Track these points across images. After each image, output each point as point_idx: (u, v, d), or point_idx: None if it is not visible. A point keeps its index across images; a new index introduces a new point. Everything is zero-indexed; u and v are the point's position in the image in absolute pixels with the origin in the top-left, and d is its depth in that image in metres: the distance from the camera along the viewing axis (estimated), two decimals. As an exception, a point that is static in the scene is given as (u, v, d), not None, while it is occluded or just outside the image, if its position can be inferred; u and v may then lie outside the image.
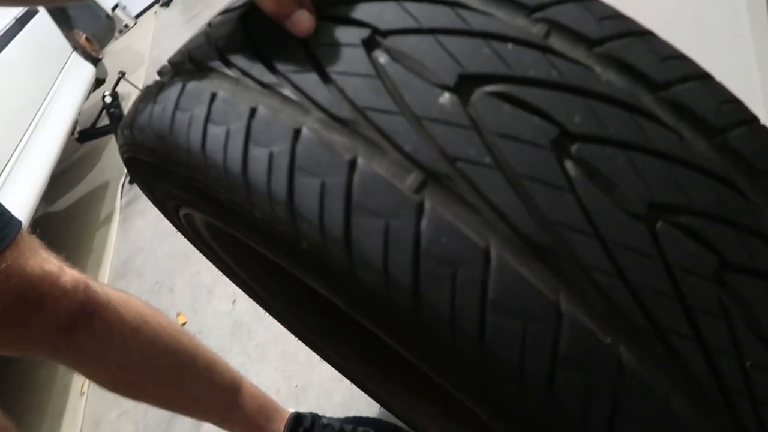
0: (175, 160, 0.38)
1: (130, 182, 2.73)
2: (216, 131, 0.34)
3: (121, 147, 0.49)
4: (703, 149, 0.32)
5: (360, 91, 0.32)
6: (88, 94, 3.00)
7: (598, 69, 0.33)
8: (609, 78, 0.32)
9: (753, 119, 0.33)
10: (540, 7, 0.34)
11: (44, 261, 0.69)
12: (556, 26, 0.34)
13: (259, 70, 0.36)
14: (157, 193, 0.56)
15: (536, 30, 0.34)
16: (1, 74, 2.20)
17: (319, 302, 0.75)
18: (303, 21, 0.36)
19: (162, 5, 6.06)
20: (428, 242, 0.28)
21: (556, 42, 0.33)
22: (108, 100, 2.60)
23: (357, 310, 0.34)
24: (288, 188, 0.31)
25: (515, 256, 0.29)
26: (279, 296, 0.77)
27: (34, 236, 0.72)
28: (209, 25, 0.44)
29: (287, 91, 0.34)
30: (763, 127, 0.33)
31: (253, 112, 0.34)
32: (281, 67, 0.35)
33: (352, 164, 0.30)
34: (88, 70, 2.99)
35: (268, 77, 0.35)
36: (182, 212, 0.57)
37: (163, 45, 4.68)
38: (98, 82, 3.34)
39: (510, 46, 0.33)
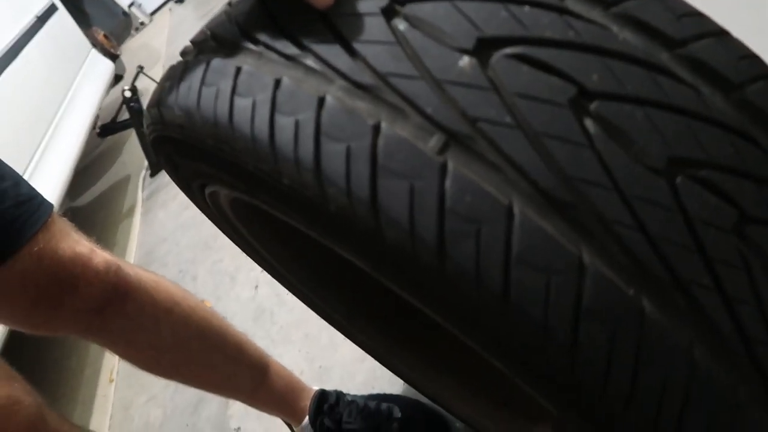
0: (203, 133, 0.39)
1: (152, 175, 2.77)
2: (242, 103, 0.36)
3: (148, 127, 0.50)
4: (720, 104, 0.32)
5: (381, 58, 0.33)
6: (108, 90, 3.04)
7: (614, 28, 0.33)
8: (626, 37, 0.33)
9: (771, 74, 0.33)
10: (555, -30, 0.35)
11: (76, 243, 0.71)
12: None
13: (281, 44, 0.37)
14: (182, 173, 0.57)
15: (551, -8, 0.34)
16: (23, 71, 2.24)
17: (345, 280, 0.77)
18: None
19: (177, 2, 6.10)
20: (452, 201, 0.29)
21: (572, 3, 0.34)
22: (127, 94, 2.63)
23: (383, 272, 0.35)
24: (315, 154, 0.32)
25: (537, 211, 0.29)
26: (304, 275, 0.78)
27: (65, 219, 0.74)
28: (229, 4, 0.46)
29: (310, 62, 0.35)
30: (782, 82, 0.34)
31: (277, 83, 0.35)
32: (303, 38, 0.36)
33: (376, 128, 0.31)
34: (107, 66, 3.03)
35: (291, 49, 0.36)
36: (208, 191, 0.58)
37: (179, 41, 4.71)
38: (117, 78, 3.38)
39: (526, 8, 0.33)
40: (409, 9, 0.34)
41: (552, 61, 0.31)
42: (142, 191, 2.77)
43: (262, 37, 0.38)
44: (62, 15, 2.81)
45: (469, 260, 0.29)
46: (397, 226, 0.30)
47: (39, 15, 2.53)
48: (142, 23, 6.15)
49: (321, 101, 0.33)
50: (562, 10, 0.33)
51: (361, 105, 0.32)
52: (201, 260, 1.96)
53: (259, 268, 1.71)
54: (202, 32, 0.46)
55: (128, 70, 3.79)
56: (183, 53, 0.48)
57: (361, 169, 0.31)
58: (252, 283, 1.65)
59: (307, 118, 0.33)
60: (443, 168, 0.30)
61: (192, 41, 0.47)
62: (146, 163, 2.86)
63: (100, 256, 0.72)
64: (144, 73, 2.83)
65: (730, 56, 0.33)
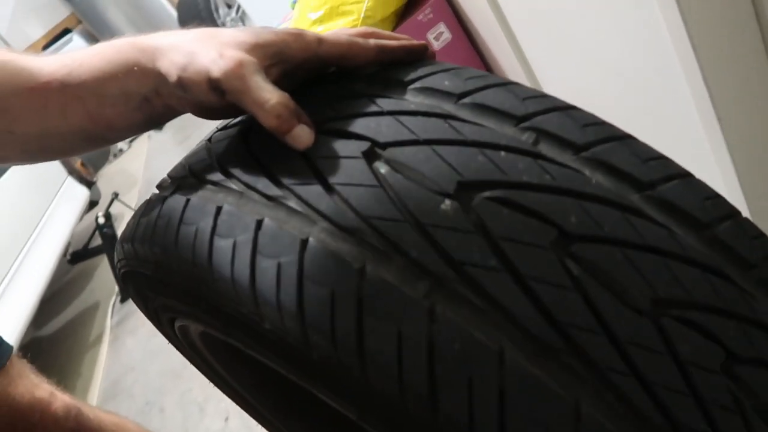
0: (180, 273, 0.38)
1: (122, 301, 2.71)
2: (222, 244, 0.35)
3: (119, 261, 0.49)
4: (694, 243, 0.33)
5: (364, 201, 0.33)
6: (82, 217, 3.04)
7: (587, 172, 0.34)
8: (598, 180, 0.34)
9: (735, 213, 0.35)
10: (526, 117, 0.37)
11: (35, 387, 0.67)
12: (543, 134, 0.36)
13: (263, 184, 0.37)
14: (151, 306, 0.56)
15: (525, 138, 0.36)
16: (-2, 199, 2.24)
17: (320, 413, 0.73)
18: (303, 135, 0.38)
19: (155, 129, 6.29)
20: (442, 347, 0.29)
21: (545, 148, 0.35)
22: (101, 220, 2.63)
23: (369, 419, 0.33)
24: (298, 299, 0.31)
25: (528, 357, 0.29)
26: (275, 406, 0.75)
27: (24, 360, 0.70)
28: (209, 140, 0.46)
29: (292, 203, 0.35)
30: (746, 219, 0.35)
31: (259, 224, 0.35)
32: (285, 180, 0.37)
33: (361, 272, 0.31)
34: (82, 194, 3.05)
35: (273, 190, 0.36)
36: (177, 324, 0.56)
37: (156, 166, 4.80)
38: (92, 204, 3.39)
39: (503, 153, 0.35)
40: (390, 153, 0.36)
41: (531, 204, 0.32)
42: (111, 318, 2.69)
43: (244, 177, 0.39)
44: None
45: (461, 410, 0.28)
46: (385, 373, 0.29)
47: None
48: (120, 150, 6.29)
49: (304, 243, 0.33)
50: (536, 155, 0.35)
51: (345, 247, 0.32)
52: (169, 390, 1.87)
53: (230, 399, 1.64)
54: (181, 167, 0.47)
55: (104, 195, 3.81)
56: (160, 186, 0.48)
57: (347, 315, 0.30)
58: (222, 414, 1.57)
59: (290, 261, 0.33)
60: (431, 312, 0.29)
61: (170, 175, 0.47)
62: (117, 288, 2.80)
63: (60, 400, 0.68)
64: (119, 200, 2.85)
65: (696, 197, 0.34)
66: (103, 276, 3.21)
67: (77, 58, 0.45)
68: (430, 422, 0.28)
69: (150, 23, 5.68)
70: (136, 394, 2.01)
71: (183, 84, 0.40)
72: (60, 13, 5.87)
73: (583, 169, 0.35)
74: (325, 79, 0.45)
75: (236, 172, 0.40)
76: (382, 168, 0.35)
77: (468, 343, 0.29)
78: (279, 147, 0.39)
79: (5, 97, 0.45)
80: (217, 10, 4.28)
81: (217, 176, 0.41)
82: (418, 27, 1.49)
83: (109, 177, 5.27)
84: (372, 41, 0.44)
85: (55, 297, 3.35)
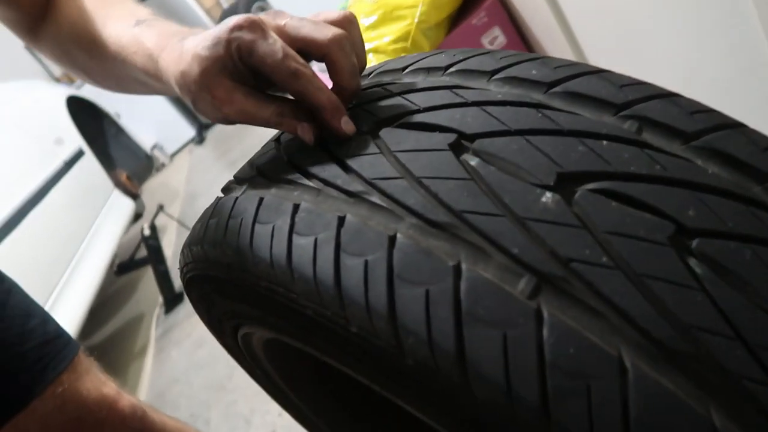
0: (256, 274, 0.36)
1: (166, 312, 2.73)
2: (302, 242, 0.33)
3: (186, 265, 0.48)
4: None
5: (455, 195, 0.31)
6: (127, 229, 3.09)
7: (699, 162, 0.31)
8: (714, 170, 0.31)
9: None
10: (627, 105, 0.34)
11: (102, 384, 0.67)
12: (646, 122, 0.33)
13: (342, 180, 0.35)
14: (215, 313, 0.54)
15: (627, 126, 0.33)
16: (47, 212, 2.29)
17: (383, 426, 0.70)
18: (307, 135, 0.40)
19: (196, 143, 6.40)
20: (553, 353, 0.26)
21: (650, 137, 0.32)
22: (147, 232, 2.67)
23: (468, 433, 0.31)
24: (389, 299, 0.29)
25: (652, 365, 0.26)
26: (333, 419, 0.72)
27: (91, 358, 0.70)
28: (278, 140, 0.45)
29: (375, 198, 0.33)
30: None
31: (341, 221, 0.33)
32: (366, 175, 0.34)
33: (457, 270, 0.28)
34: (127, 206, 3.10)
35: (353, 185, 0.34)
36: (241, 332, 0.55)
37: (197, 179, 4.87)
38: (136, 216, 3.46)
39: (605, 143, 0.32)
40: (479, 144, 0.33)
41: (642, 197, 0.29)
42: (156, 329, 2.71)
43: (321, 173, 0.37)
44: (89, 159, 2.92)
45: (579, 423, 0.25)
46: (490, 382, 0.26)
47: (67, 160, 2.63)
48: (162, 164, 6.41)
49: (392, 240, 0.31)
50: (642, 144, 0.32)
51: (437, 244, 0.30)
52: (214, 402, 1.86)
53: (276, 411, 1.62)
54: (248, 168, 0.45)
55: (147, 208, 3.88)
56: (226, 189, 0.47)
57: (444, 315, 0.27)
58: (269, 427, 1.55)
59: (378, 258, 0.30)
60: (538, 314, 0.27)
61: (236, 177, 0.46)
62: (161, 300, 2.83)
63: (126, 399, 0.68)
64: (164, 212, 2.89)
65: None
66: (148, 287, 3.25)
67: (126, 46, 0.50)
68: (543, 436, 0.26)
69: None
70: (181, 406, 2.02)
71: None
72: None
73: (694, 158, 0.31)
74: (399, 73, 0.43)
75: (312, 169, 0.38)
76: (472, 160, 0.33)
77: (583, 347, 0.26)
78: (355, 143, 0.37)
79: (93, 52, 0.55)
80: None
81: (291, 174, 0.39)
82: (472, 31, 1.47)
83: (152, 191, 5.37)
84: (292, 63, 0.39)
85: (100, 308, 3.41)
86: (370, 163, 0.35)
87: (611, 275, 0.27)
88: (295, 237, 0.34)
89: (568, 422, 0.25)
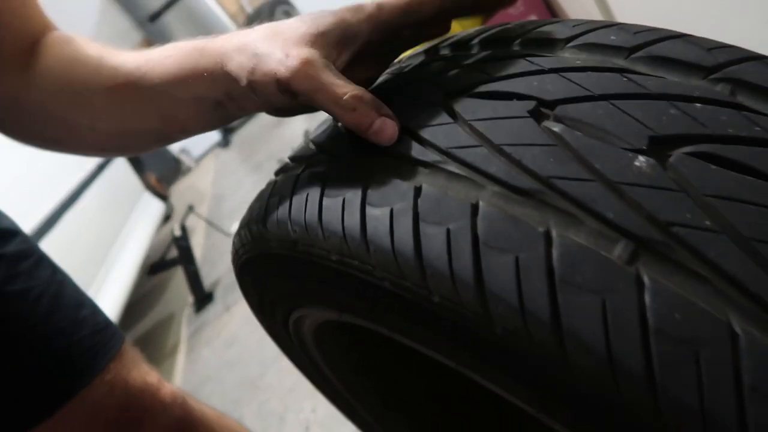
0: (326, 248, 0.35)
1: (197, 311, 2.75)
2: (377, 213, 0.32)
3: (243, 247, 0.47)
4: None
5: (540, 161, 0.30)
6: (158, 230, 3.13)
7: (799, 124, 0.30)
8: (817, 132, 0.29)
9: None
10: (718, 67, 0.32)
11: (146, 373, 0.69)
12: (740, 84, 0.31)
13: (416, 150, 0.34)
14: (268, 298, 0.53)
15: (720, 89, 0.31)
16: (82, 214, 2.32)
17: (433, 414, 0.69)
18: (387, 129, 0.35)
19: (222, 146, 6.46)
20: (658, 320, 0.24)
21: (746, 100, 0.31)
22: (177, 233, 2.69)
23: (562, 412, 0.29)
24: (475, 267, 0.28)
25: (764, 330, 0.24)
26: (381, 408, 0.71)
27: (136, 348, 0.72)
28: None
29: (453, 167, 0.32)
30: None
31: (418, 190, 0.32)
32: (441, 144, 0.33)
33: (548, 236, 0.27)
34: (157, 208, 3.14)
35: (428, 155, 0.33)
36: (294, 317, 0.54)
37: (223, 182, 4.91)
38: (165, 218, 3.50)
39: (698, 105, 0.30)
40: (561, 110, 0.32)
41: (744, 159, 0.28)
42: (187, 328, 2.73)
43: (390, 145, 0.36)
44: (120, 163, 2.97)
45: (691, 394, 0.23)
46: (590, 351, 0.25)
47: (99, 164, 2.67)
48: (189, 168, 6.49)
49: (475, 208, 0.29)
50: (738, 106, 0.30)
51: (523, 211, 0.29)
52: (247, 401, 1.87)
53: (310, 408, 1.62)
54: (305, 147, 0.44)
55: (176, 209, 3.92)
56: (282, 170, 0.46)
57: (537, 282, 0.26)
58: (302, 425, 1.55)
59: (461, 226, 0.29)
60: (639, 280, 0.25)
61: (293, 157, 0.45)
62: (191, 299, 2.85)
63: (167, 387, 0.70)
64: (195, 213, 2.91)
65: None
66: (178, 287, 3.28)
67: (151, 58, 0.45)
68: (649, 411, 0.24)
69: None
70: (214, 404, 2.02)
71: (253, 87, 0.39)
72: (133, 39, 6.15)
73: (794, 121, 0.30)
74: (462, 49, 0.42)
75: None
76: (555, 126, 0.31)
77: (690, 314, 0.24)
78: (425, 113, 0.36)
79: (90, 92, 0.46)
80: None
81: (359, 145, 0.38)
82: (509, 20, 1.45)
83: (179, 193, 5.43)
84: None
85: (132, 308, 3.45)
86: (444, 132, 0.34)
87: (716, 239, 0.25)
88: (368, 208, 0.33)
89: (677, 391, 0.23)
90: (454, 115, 0.34)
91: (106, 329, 0.68)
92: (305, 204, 0.37)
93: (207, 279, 2.89)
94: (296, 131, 3.94)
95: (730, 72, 0.32)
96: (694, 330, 0.24)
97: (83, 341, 0.64)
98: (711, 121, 0.29)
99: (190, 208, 2.94)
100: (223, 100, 0.42)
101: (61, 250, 2.11)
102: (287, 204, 0.39)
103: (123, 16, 5.88)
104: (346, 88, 0.36)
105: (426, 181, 0.32)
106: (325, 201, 0.36)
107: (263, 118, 5.27)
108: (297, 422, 1.57)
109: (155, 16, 5.70)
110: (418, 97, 0.38)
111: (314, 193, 0.37)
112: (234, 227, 3.35)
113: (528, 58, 0.36)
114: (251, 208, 0.45)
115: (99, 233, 2.44)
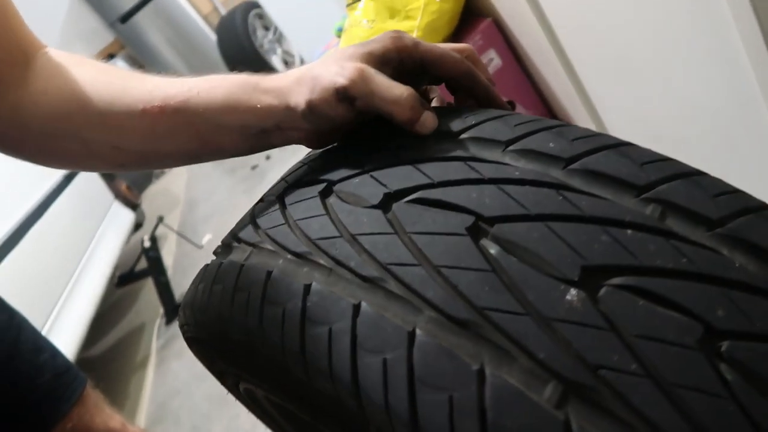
0: (267, 357, 0.35)
1: (167, 323, 2.72)
2: (317, 332, 0.32)
3: (186, 325, 0.47)
4: None
5: (475, 288, 0.30)
6: (128, 240, 3.08)
7: (725, 252, 0.31)
8: (740, 262, 0.30)
9: None
10: (649, 186, 0.33)
11: (109, 418, 0.69)
12: (670, 206, 0.32)
13: (356, 261, 0.34)
14: (216, 368, 0.53)
15: (650, 211, 0.32)
16: (49, 228, 2.28)
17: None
18: (429, 120, 0.40)
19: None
20: (583, 469, 0.25)
21: (674, 224, 0.31)
22: (147, 244, 2.66)
23: None
24: (410, 404, 0.28)
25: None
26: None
27: (97, 391, 0.71)
28: (284, 206, 0.43)
29: (392, 286, 0.32)
30: None
31: (356, 309, 0.32)
32: (381, 258, 0.33)
33: (481, 374, 0.28)
34: (127, 217, 3.09)
35: (368, 269, 0.33)
36: (243, 386, 0.54)
37: (197, 186, 4.86)
38: (136, 226, 3.45)
39: (629, 231, 0.31)
40: (499, 230, 0.32)
41: (669, 294, 0.28)
42: (157, 341, 2.70)
43: (332, 251, 0.36)
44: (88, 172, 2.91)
45: None
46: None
47: (66, 174, 2.62)
48: (162, 171, 6.40)
49: (411, 337, 0.30)
50: (667, 233, 0.31)
51: (459, 343, 0.29)
52: (216, 416, 1.86)
53: (280, 430, 1.61)
54: (251, 229, 0.43)
55: (147, 217, 3.87)
56: (227, 246, 0.45)
57: (470, 426, 0.27)
58: (272, 446, 1.54)
59: (398, 357, 0.29)
60: (567, 426, 0.26)
61: (237, 236, 0.44)
62: (161, 311, 2.82)
63: (130, 431, 0.69)
64: (164, 224, 2.88)
65: None
66: (148, 298, 3.24)
67: (194, 86, 0.46)
68: None
69: (190, 47, 5.78)
70: (182, 419, 2.01)
71: (312, 106, 0.42)
72: (104, 39, 6.03)
73: (720, 248, 0.31)
74: (409, 135, 0.42)
75: (322, 243, 0.37)
76: (491, 248, 0.32)
77: (614, 464, 0.25)
78: (367, 218, 0.36)
79: (118, 114, 0.47)
80: (254, 33, 4.33)
81: (299, 247, 0.38)
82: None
83: (151, 198, 5.36)
84: (466, 61, 0.45)
85: (101, 319, 3.40)
86: (384, 244, 0.34)
87: (640, 384, 0.26)
88: (308, 325, 0.33)
89: None
90: (394, 225, 0.35)
91: (67, 373, 0.67)
92: (246, 306, 0.37)
93: (178, 289, 2.86)
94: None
95: (661, 192, 0.32)
96: (616, 482, 0.25)
97: (43, 387, 0.63)
98: (640, 251, 0.30)
99: (160, 219, 2.90)
100: (271, 129, 0.45)
101: (28, 266, 2.07)
102: (229, 300, 0.39)
103: (92, 17, 5.76)
104: (401, 89, 0.40)
105: (365, 298, 0.32)
106: (267, 309, 0.36)
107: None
108: (266, 443, 1.56)
109: (127, 17, 5.60)
110: (361, 197, 0.38)
111: (255, 294, 0.37)
112: (206, 239, 3.32)
113: (470, 163, 0.37)
114: (194, 290, 0.45)
115: (67, 246, 2.39)
